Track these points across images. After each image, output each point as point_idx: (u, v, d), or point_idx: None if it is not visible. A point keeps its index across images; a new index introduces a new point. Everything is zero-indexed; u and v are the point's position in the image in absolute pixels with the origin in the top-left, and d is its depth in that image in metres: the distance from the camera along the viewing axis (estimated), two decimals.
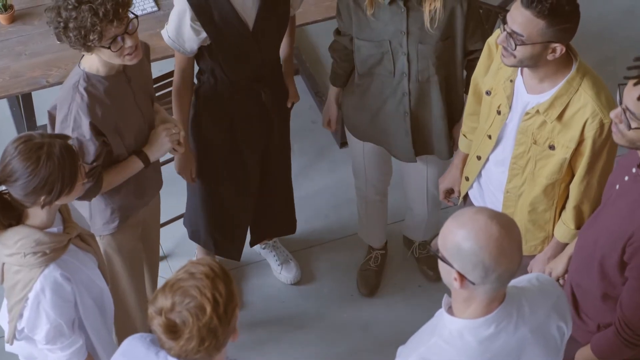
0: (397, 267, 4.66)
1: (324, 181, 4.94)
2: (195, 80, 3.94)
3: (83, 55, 3.38)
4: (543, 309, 2.69)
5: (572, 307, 3.31)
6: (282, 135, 4.11)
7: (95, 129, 3.35)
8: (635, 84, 2.79)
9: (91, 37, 3.18)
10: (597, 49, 5.39)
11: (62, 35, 3.24)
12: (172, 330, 2.42)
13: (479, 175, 3.65)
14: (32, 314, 3.07)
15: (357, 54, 3.81)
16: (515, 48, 3.16)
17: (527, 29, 3.13)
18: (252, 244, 4.43)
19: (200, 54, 3.78)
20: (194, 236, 4.32)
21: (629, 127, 2.83)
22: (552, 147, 3.32)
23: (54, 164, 2.90)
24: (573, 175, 3.39)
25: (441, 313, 2.66)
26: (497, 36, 3.45)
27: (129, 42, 3.26)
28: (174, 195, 4.48)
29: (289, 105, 4.07)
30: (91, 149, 3.36)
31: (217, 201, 4.12)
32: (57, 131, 3.39)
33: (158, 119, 3.62)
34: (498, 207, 3.61)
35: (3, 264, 3.07)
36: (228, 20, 3.62)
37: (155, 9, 4.50)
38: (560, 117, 3.27)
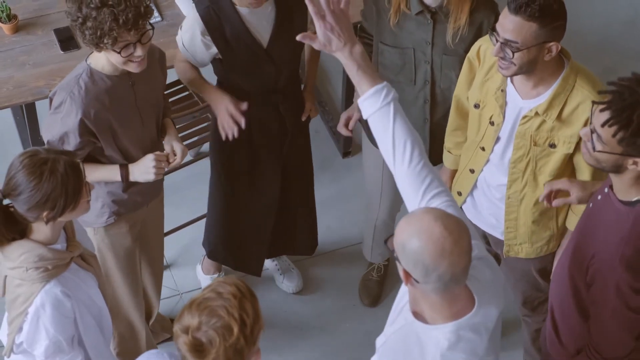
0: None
1: (326, 191, 4.94)
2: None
3: (92, 52, 3.41)
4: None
5: (553, 331, 3.29)
6: (302, 149, 4.10)
7: (84, 125, 3.37)
8: (601, 110, 2.79)
9: (105, 40, 3.22)
10: (599, 59, 5.39)
11: (77, 30, 3.27)
12: (198, 349, 2.43)
13: (474, 187, 3.65)
14: (32, 328, 3.07)
15: (380, 58, 3.80)
16: (513, 56, 3.17)
17: (521, 35, 3.15)
18: (267, 257, 4.43)
19: (215, 64, 3.79)
20: (212, 255, 4.31)
21: (594, 149, 2.84)
22: (552, 146, 3.34)
23: (57, 179, 2.91)
24: (574, 168, 3.42)
25: (416, 338, 2.67)
26: (476, 50, 3.47)
27: (139, 52, 3.29)
28: (177, 205, 4.49)
29: (303, 118, 4.05)
30: (72, 142, 3.38)
31: (237, 216, 4.12)
32: (49, 115, 3.41)
33: (170, 134, 3.63)
34: (500, 216, 3.61)
35: (5, 276, 3.07)
36: (240, 37, 3.64)
37: (159, 19, 4.51)
38: (559, 115, 3.30)
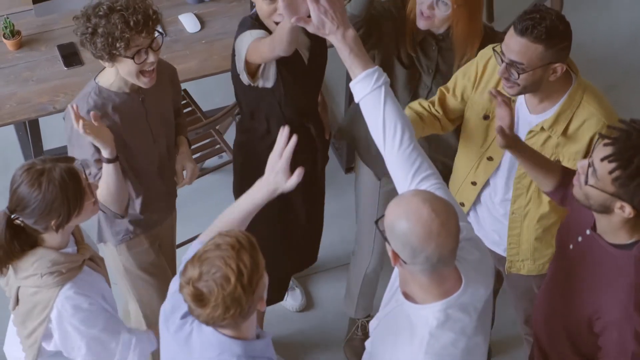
0: None
1: (329, 207, 4.90)
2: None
3: (100, 71, 3.41)
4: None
5: None
6: (323, 170, 4.05)
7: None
8: (605, 144, 2.77)
9: (117, 45, 3.22)
10: (602, 75, 5.39)
11: (88, 42, 3.28)
12: (199, 298, 2.53)
13: (478, 203, 3.64)
14: (62, 334, 3.09)
15: (390, 73, 3.67)
16: (518, 77, 3.17)
17: (527, 56, 3.13)
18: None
19: (254, 99, 3.69)
20: None
21: (586, 182, 2.81)
22: (557, 162, 3.33)
23: (56, 188, 2.94)
24: None
25: (407, 319, 2.71)
26: (486, 60, 3.43)
27: (151, 57, 3.30)
28: (179, 221, 4.48)
29: (327, 136, 4.01)
30: (93, 167, 3.37)
31: (268, 256, 4.04)
32: (66, 137, 3.41)
33: (182, 152, 3.66)
34: (503, 233, 3.61)
35: (18, 287, 3.09)
36: (291, 56, 3.49)
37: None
38: (564, 131, 3.29)
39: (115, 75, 3.38)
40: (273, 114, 3.72)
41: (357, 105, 3.77)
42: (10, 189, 2.99)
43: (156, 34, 3.32)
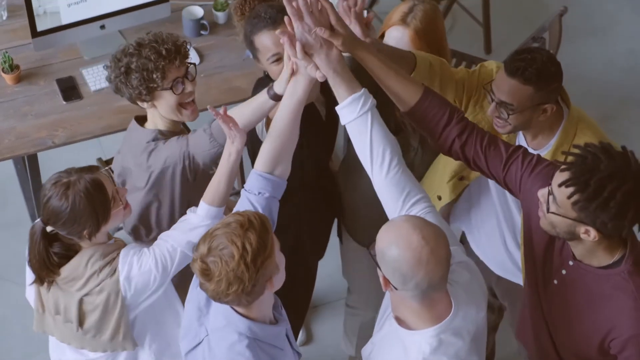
0: None
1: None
2: None
3: (139, 122, 3.42)
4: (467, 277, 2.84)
5: None
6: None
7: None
8: (561, 170, 2.77)
9: (154, 77, 3.25)
10: (599, 106, 5.41)
11: (123, 84, 3.30)
12: (205, 273, 2.62)
13: (489, 225, 3.63)
14: (139, 279, 3.13)
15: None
16: (508, 117, 3.15)
17: (517, 98, 3.11)
18: None
19: None
20: None
21: (548, 209, 2.81)
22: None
23: (82, 199, 3.03)
24: None
25: (401, 344, 2.72)
26: (480, 74, 3.38)
27: (189, 87, 3.34)
28: None
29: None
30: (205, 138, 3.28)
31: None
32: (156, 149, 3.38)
33: None
34: (511, 257, 3.60)
35: (80, 300, 3.14)
36: (311, 113, 3.47)
37: None
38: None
39: (159, 119, 3.39)
40: (294, 176, 3.47)
41: (346, 164, 3.78)
42: (41, 202, 3.08)
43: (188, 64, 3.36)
